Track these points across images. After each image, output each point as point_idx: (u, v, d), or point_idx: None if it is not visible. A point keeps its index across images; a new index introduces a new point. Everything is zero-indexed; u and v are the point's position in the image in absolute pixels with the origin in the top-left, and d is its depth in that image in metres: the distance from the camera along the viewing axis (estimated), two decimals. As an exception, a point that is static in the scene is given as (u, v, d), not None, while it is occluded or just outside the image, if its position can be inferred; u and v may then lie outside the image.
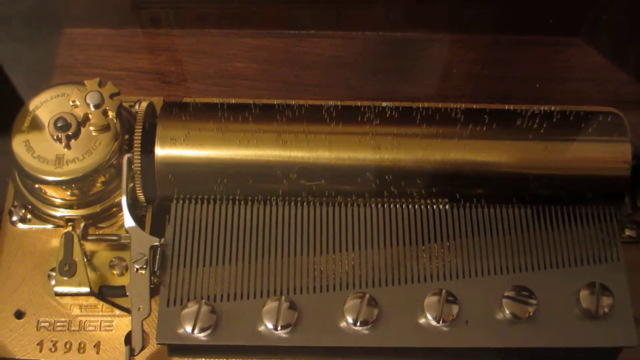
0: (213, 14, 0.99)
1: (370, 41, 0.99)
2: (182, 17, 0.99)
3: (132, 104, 0.86)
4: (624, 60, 0.97)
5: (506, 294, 0.75)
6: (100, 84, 0.80)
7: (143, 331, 0.76)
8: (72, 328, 0.79)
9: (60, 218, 0.82)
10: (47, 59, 0.98)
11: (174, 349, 0.77)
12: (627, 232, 0.83)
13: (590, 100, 0.92)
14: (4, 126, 0.82)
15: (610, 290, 0.76)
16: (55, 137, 0.79)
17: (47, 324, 0.79)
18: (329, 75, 0.97)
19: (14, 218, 0.84)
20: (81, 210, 0.82)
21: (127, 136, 0.81)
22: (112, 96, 0.80)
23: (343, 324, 0.75)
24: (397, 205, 0.80)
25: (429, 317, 0.75)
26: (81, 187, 0.80)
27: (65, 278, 0.76)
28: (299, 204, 0.80)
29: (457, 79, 0.97)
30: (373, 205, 0.80)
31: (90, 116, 0.79)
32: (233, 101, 0.82)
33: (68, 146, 0.79)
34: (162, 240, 0.77)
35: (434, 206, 0.80)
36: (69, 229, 0.81)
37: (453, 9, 0.99)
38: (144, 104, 0.81)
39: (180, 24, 0.99)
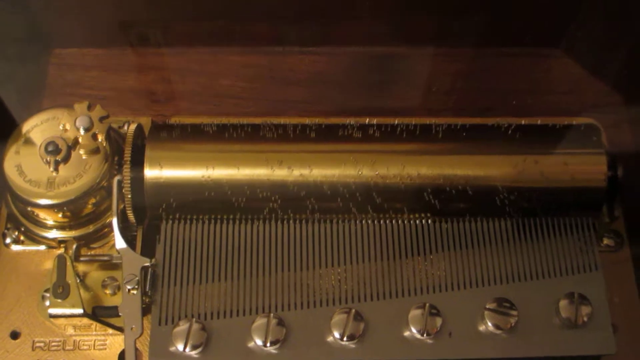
0: (200, 32, 1.01)
1: (354, 57, 1.00)
2: (169, 36, 1.00)
3: (122, 124, 0.87)
4: (603, 71, 0.98)
5: (488, 306, 0.77)
6: (89, 107, 0.82)
7: (136, 350, 0.77)
8: (67, 347, 0.81)
9: (53, 239, 0.84)
10: (36, 78, 0.99)
11: (167, 367, 0.79)
12: (605, 241, 0.86)
13: (569, 111, 0.93)
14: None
15: (588, 300, 0.78)
16: (46, 160, 0.80)
17: (42, 344, 0.81)
18: (314, 92, 0.98)
19: (8, 240, 0.85)
20: (73, 232, 0.84)
21: (116, 157, 0.83)
22: (101, 119, 0.82)
23: (330, 339, 0.77)
24: (381, 221, 0.82)
25: (414, 330, 0.76)
26: (73, 209, 0.82)
27: (59, 300, 0.77)
28: (285, 222, 0.82)
29: (440, 92, 0.99)
30: (357, 222, 0.82)
31: (80, 140, 0.81)
32: (220, 122, 0.83)
33: (57, 170, 0.80)
34: (153, 260, 0.79)
35: (417, 221, 0.82)
36: (62, 250, 0.83)
37: (435, 23, 1.00)
38: (133, 127, 0.83)
39: (168, 43, 1.00)
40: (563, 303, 0.78)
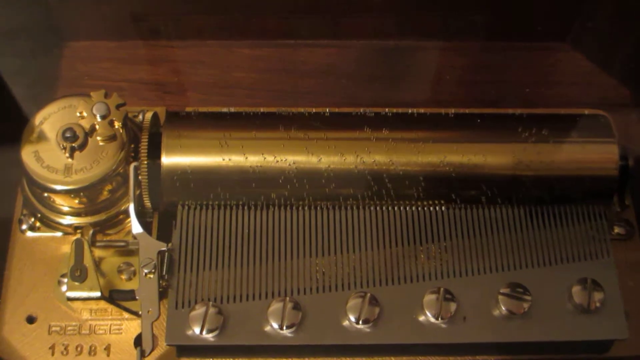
0: (211, 26, 1.01)
1: (364, 49, 1.01)
2: (181, 29, 1.01)
3: (136, 114, 0.88)
4: (610, 64, 0.99)
5: (502, 291, 0.78)
6: (105, 96, 0.83)
7: (152, 333, 0.78)
8: (83, 332, 0.81)
9: (69, 226, 0.85)
10: (50, 71, 1.00)
11: (183, 350, 0.79)
12: (616, 230, 0.86)
13: (577, 104, 0.94)
14: (11, 137, 0.84)
15: (601, 286, 0.78)
16: (62, 147, 0.81)
17: (58, 328, 0.81)
18: (325, 83, 0.98)
19: (24, 226, 0.86)
20: (89, 218, 0.84)
21: (132, 145, 0.84)
22: (118, 107, 0.82)
23: (346, 323, 0.77)
24: (396, 208, 0.83)
25: (428, 314, 0.77)
26: (89, 195, 0.82)
27: (76, 283, 0.78)
28: (300, 208, 0.82)
29: (449, 84, 1.00)
30: (372, 208, 0.82)
31: (97, 127, 0.82)
32: (234, 109, 0.84)
33: (72, 157, 0.81)
34: (169, 245, 0.80)
35: (431, 208, 0.83)
36: (78, 236, 0.83)
37: (444, 17, 1.01)
38: (149, 114, 0.84)
39: (180, 36, 1.01)
40: (576, 289, 0.78)
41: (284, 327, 0.76)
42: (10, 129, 0.86)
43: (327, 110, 0.84)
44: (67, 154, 0.81)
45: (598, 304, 0.78)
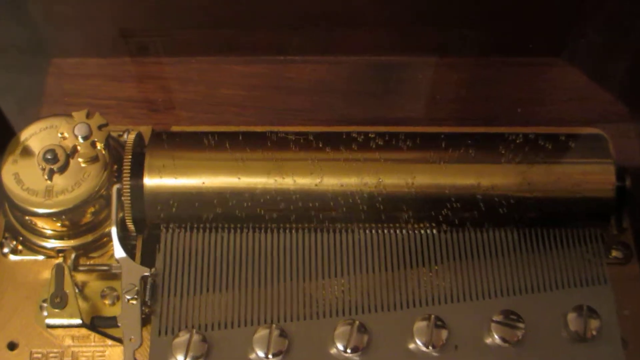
0: (200, 42, 1.00)
1: (357, 65, 1.00)
2: (169, 45, 1.00)
3: (121, 133, 0.86)
4: (606, 79, 0.98)
5: (495, 318, 0.76)
6: (88, 115, 0.81)
7: (135, 361, 0.76)
8: (65, 359, 0.80)
9: (51, 249, 0.83)
10: (36, 88, 0.98)
11: (167, 379, 0.77)
12: (614, 253, 0.84)
13: (573, 120, 0.92)
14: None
15: (597, 313, 0.76)
16: (44, 169, 0.79)
17: (39, 355, 0.80)
18: (316, 100, 0.97)
19: (5, 250, 0.84)
20: (72, 241, 0.83)
21: (115, 166, 0.82)
22: (100, 127, 0.81)
23: (334, 351, 0.76)
24: (385, 231, 0.81)
25: (419, 342, 0.75)
26: (71, 218, 0.81)
27: (56, 310, 0.76)
28: (287, 231, 0.80)
29: (442, 101, 0.98)
30: (361, 231, 0.81)
31: (78, 148, 0.80)
32: (220, 130, 0.82)
33: (51, 179, 0.79)
34: (153, 270, 0.78)
35: (422, 231, 0.81)
36: (60, 259, 0.81)
37: (437, 32, 1.00)
38: (132, 135, 0.82)
39: (168, 52, 1.00)
40: (571, 316, 0.77)
41: (270, 355, 0.74)
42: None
43: (317, 130, 0.82)
44: (46, 176, 0.79)
45: (594, 332, 0.76)
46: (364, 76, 1.00)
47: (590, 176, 0.80)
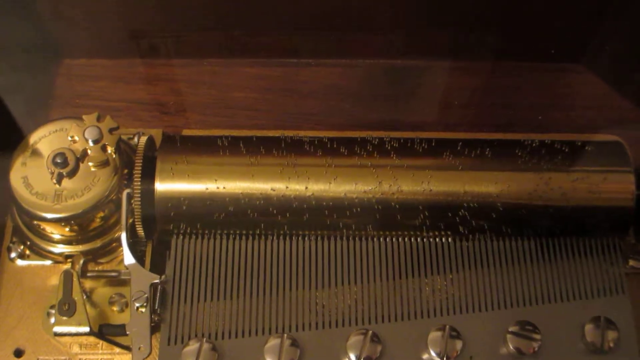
0: (212, 44, 0.99)
1: (370, 69, 0.98)
2: (181, 47, 0.98)
3: (131, 136, 0.85)
4: (627, 87, 0.96)
5: (510, 329, 0.75)
6: (98, 119, 0.80)
7: (144, 370, 0.75)
8: (72, 367, 0.78)
9: (60, 254, 0.82)
10: (45, 89, 0.97)
11: (176, 388, 0.76)
12: (631, 263, 0.82)
13: (592, 128, 0.91)
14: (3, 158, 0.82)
15: (615, 324, 0.75)
16: (53, 173, 0.78)
17: (46, 363, 0.79)
18: (329, 104, 0.96)
19: (13, 254, 0.83)
20: (80, 246, 0.81)
21: (126, 170, 0.81)
22: (111, 131, 0.79)
23: (346, 361, 0.74)
24: (400, 239, 0.80)
25: (433, 353, 0.74)
26: (80, 223, 0.80)
27: (64, 318, 0.75)
28: (300, 238, 0.79)
29: (458, 106, 0.97)
30: (375, 239, 0.80)
31: (89, 152, 0.79)
32: (233, 134, 0.81)
33: (59, 183, 0.78)
34: (163, 277, 0.77)
35: (437, 239, 0.80)
36: (68, 265, 0.80)
37: (454, 35, 0.98)
38: (144, 139, 0.81)
39: (179, 54, 0.98)
40: (588, 327, 0.75)
41: (282, 365, 0.73)
42: (3, 148, 0.83)
43: (330, 135, 0.81)
44: (55, 180, 0.77)
45: (612, 344, 0.75)
46: (378, 80, 0.99)
47: (609, 184, 0.79)
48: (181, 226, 0.79)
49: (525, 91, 0.99)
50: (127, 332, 0.75)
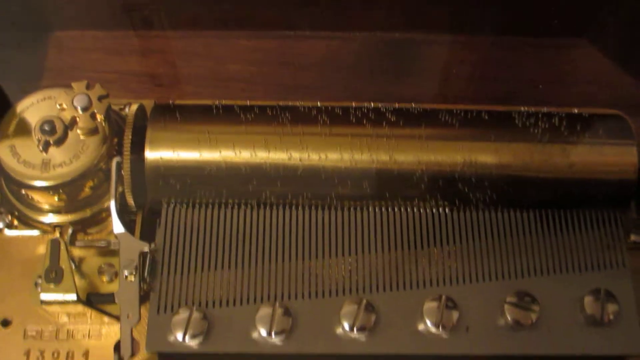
0: (207, 16, 0.98)
1: (368, 42, 0.98)
2: (175, 19, 0.98)
3: (122, 107, 0.84)
4: (630, 62, 0.95)
5: (508, 300, 0.74)
6: (88, 87, 0.79)
7: (132, 339, 0.74)
8: (60, 337, 0.77)
9: (48, 224, 0.80)
10: (36, 62, 0.96)
11: (165, 357, 0.74)
12: (633, 238, 0.81)
13: (594, 103, 0.89)
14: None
15: (615, 297, 0.74)
16: (41, 141, 0.77)
17: (34, 333, 0.77)
18: (326, 77, 0.95)
19: (0, 224, 0.82)
20: (69, 216, 0.80)
21: (116, 140, 0.80)
22: (100, 99, 0.78)
23: (339, 331, 0.73)
24: (396, 209, 0.78)
25: (428, 323, 0.73)
26: (69, 192, 0.78)
27: (51, 285, 0.74)
28: (292, 208, 0.78)
29: (457, 80, 0.96)
30: (370, 209, 0.78)
31: (77, 119, 0.77)
32: (224, 102, 0.80)
33: (46, 151, 0.77)
34: (152, 245, 0.75)
35: (434, 209, 0.78)
36: (57, 235, 0.79)
37: (454, 9, 0.97)
38: (134, 107, 0.80)
39: (173, 26, 0.98)
40: (588, 299, 0.74)
41: (273, 334, 0.72)
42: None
43: (325, 104, 0.80)
44: (41, 148, 0.76)
45: (612, 317, 0.74)
46: (376, 53, 0.98)
47: (611, 157, 0.78)
48: (171, 195, 0.78)
49: (526, 66, 0.98)
50: (116, 301, 0.74)
